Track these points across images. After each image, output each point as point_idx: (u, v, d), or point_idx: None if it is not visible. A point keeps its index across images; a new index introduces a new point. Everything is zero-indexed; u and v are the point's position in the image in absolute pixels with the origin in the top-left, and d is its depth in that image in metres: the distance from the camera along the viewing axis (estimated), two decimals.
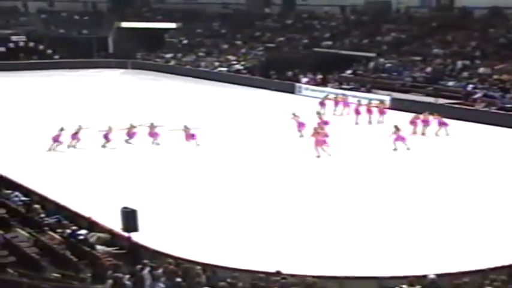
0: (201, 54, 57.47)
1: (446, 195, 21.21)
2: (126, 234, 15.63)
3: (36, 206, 17.65)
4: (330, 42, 51.25)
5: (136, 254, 15.07)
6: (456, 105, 36.15)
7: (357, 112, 34.00)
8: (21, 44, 59.58)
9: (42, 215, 17.16)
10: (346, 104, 36.56)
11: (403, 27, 49.90)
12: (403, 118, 31.26)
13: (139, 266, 13.28)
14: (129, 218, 15.49)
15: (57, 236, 15.40)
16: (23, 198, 18.77)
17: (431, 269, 13.78)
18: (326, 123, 29.96)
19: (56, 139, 26.97)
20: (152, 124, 28.87)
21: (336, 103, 37.04)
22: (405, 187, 22.21)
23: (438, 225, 18.27)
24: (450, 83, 39.54)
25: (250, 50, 55.03)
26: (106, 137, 27.60)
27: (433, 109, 32.84)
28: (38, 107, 37.27)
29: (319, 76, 45.28)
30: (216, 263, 14.35)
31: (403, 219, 18.90)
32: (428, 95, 38.58)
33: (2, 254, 12.95)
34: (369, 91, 40.84)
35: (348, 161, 25.72)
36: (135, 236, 15.53)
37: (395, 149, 27.20)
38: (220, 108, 38.11)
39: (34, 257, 13.43)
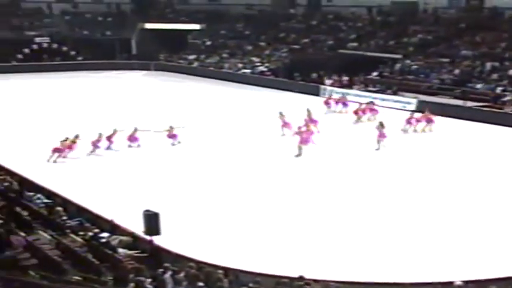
0: (224, 55, 57.56)
1: (468, 198, 21.03)
2: (148, 237, 15.71)
3: (59, 208, 17.81)
4: (355, 44, 51.04)
5: (158, 257, 15.15)
6: (485, 108, 35.80)
7: (356, 113, 34.81)
8: (45, 45, 60.18)
9: (65, 218, 17.31)
10: (345, 104, 37.56)
11: (431, 28, 49.53)
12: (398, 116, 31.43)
13: (161, 270, 13.34)
14: (151, 221, 15.58)
15: (79, 239, 15.51)
16: (46, 201, 18.96)
17: (456, 276, 13.65)
18: (314, 121, 30.30)
19: (95, 144, 27.15)
20: (171, 127, 29.06)
21: (337, 102, 38.26)
22: (421, 187, 22.06)
23: (458, 229, 18.11)
24: (479, 86, 39.11)
25: (274, 52, 54.99)
26: (109, 139, 27.84)
27: (461, 112, 32.58)
28: (63, 108, 37.57)
29: (344, 78, 45.12)
30: (238, 267, 14.36)
31: (419, 222, 18.76)
32: (456, 97, 38.22)
33: (24, 256, 13.07)
34: (395, 93, 40.64)
35: (345, 160, 25.81)
36: (157, 239, 15.61)
37: (377, 149, 27.71)
38: (242, 110, 38.13)
39: (56, 260, 13.53)
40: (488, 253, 16.45)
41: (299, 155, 26.55)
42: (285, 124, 30.59)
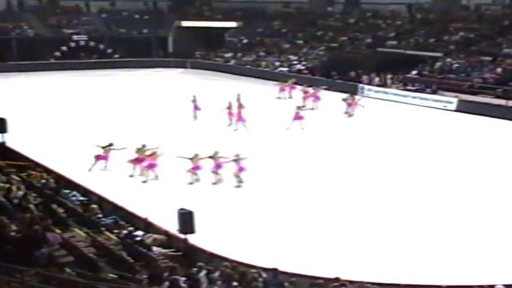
0: (261, 53, 57.67)
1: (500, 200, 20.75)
2: (182, 235, 15.80)
3: (94, 206, 18.01)
4: (394, 42, 50.67)
5: (193, 256, 15.23)
6: None
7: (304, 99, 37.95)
8: (82, 43, 61.07)
9: (100, 215, 17.50)
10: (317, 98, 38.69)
11: (473, 26, 48.88)
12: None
13: (195, 269, 13.40)
14: (186, 219, 15.66)
15: (113, 237, 15.66)
16: (81, 198, 19.19)
17: (498, 279, 13.47)
18: (242, 106, 32.15)
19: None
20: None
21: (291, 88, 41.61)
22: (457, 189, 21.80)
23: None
24: None
25: (311, 50, 54.91)
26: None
27: (504, 112, 32.11)
28: (100, 107, 38.00)
29: (384, 77, 44.79)
30: (273, 267, 14.35)
31: (446, 223, 18.55)
32: (498, 97, 37.69)
33: (61, 253, 13.24)
34: (434, 92, 40.25)
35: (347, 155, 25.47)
36: (191, 238, 15.70)
37: (288, 128, 30.60)
38: (276, 108, 38.15)
39: (92, 257, 13.69)
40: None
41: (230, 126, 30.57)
42: (196, 107, 33.64)
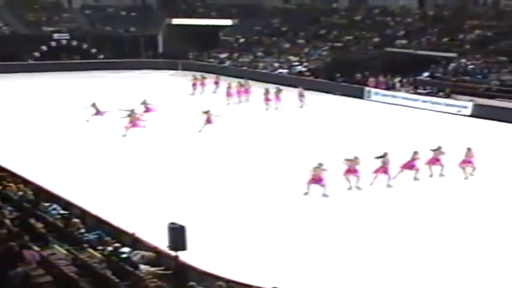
0: (259, 54, 57.84)
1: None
2: (173, 253, 15.76)
3: (76, 220, 17.95)
4: (404, 41, 50.85)
5: (184, 275, 15.19)
6: None
7: (228, 94, 41.71)
8: (64, 42, 61.06)
9: (82, 231, 17.44)
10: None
11: (490, 23, 49.04)
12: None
13: None
14: (177, 234, 15.60)
15: (97, 254, 15.61)
16: (62, 212, 19.12)
17: None
18: (149, 110, 35.09)
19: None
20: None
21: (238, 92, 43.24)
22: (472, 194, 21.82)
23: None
24: None
25: (314, 50, 55.08)
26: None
27: None
28: (81, 112, 37.94)
29: (392, 79, 44.88)
30: (273, 287, 14.32)
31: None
32: None
33: (38, 272, 13.19)
34: (448, 96, 40.35)
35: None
36: (182, 255, 15.65)
37: (199, 131, 31.90)
38: (279, 113, 38.23)
39: (72, 277, 13.63)
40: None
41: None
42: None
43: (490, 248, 18.16)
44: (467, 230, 19.51)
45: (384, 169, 23.90)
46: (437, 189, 23.67)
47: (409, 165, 24.37)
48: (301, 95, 41.07)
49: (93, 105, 34.85)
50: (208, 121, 32.76)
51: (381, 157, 24.13)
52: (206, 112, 32.99)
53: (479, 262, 17.16)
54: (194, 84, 46.39)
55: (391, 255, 17.71)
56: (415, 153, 24.60)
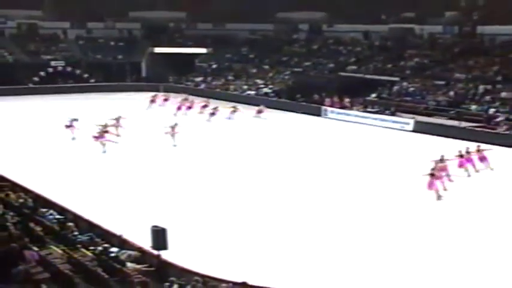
0: (230, 78, 57.81)
1: (452, 215, 20.90)
2: (155, 252, 15.61)
3: (70, 224, 17.72)
4: (355, 67, 51.23)
5: (165, 271, 15.04)
6: (478, 129, 35.76)
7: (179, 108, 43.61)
8: (60, 68, 60.59)
9: (76, 233, 17.22)
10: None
11: (426, 53, 49.70)
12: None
13: (167, 284, 13.23)
14: (159, 236, 15.48)
15: (89, 253, 15.41)
16: (58, 216, 18.87)
17: None
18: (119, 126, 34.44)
19: None
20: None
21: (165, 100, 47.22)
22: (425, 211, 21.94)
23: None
24: (472, 107, 39.14)
25: (277, 74, 55.19)
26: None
27: (456, 132, 32.55)
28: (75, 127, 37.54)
29: (345, 100, 45.12)
30: (243, 281, 14.23)
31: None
32: (451, 118, 38.24)
33: (37, 270, 12.99)
34: (393, 114, 40.65)
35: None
36: (164, 254, 15.51)
37: (174, 145, 31.68)
38: (245, 129, 38.21)
39: (67, 274, 13.44)
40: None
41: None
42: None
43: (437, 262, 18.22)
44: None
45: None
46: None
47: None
48: (259, 112, 42.11)
49: (71, 121, 34.27)
50: (173, 133, 32.52)
51: (440, 160, 24.05)
52: (173, 127, 32.75)
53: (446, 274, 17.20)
54: (178, 107, 44.99)
55: (387, 257, 17.66)
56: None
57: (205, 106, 43.56)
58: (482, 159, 27.17)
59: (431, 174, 22.90)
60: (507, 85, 40.09)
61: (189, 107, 44.38)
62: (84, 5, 65.49)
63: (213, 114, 41.52)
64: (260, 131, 37.93)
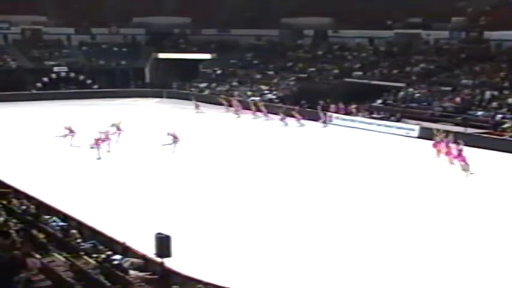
0: (234, 83, 57.83)
1: (459, 222, 20.88)
2: (159, 259, 15.59)
3: (74, 231, 17.72)
4: (360, 73, 51.22)
5: (168, 279, 15.02)
6: (485, 135, 35.70)
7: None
8: (63, 74, 60.74)
9: (79, 240, 17.22)
10: None
11: (432, 58, 49.68)
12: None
13: None
14: (163, 243, 15.46)
15: (92, 261, 15.40)
16: (61, 224, 18.88)
17: None
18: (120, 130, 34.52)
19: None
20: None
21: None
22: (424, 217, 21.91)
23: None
24: (479, 113, 39.11)
25: (282, 80, 55.20)
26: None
27: (462, 138, 32.37)
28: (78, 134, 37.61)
29: (351, 106, 45.08)
30: None
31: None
32: (457, 124, 38.16)
33: (39, 278, 12.99)
34: (398, 120, 40.62)
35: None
36: (168, 262, 15.49)
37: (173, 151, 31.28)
38: (251, 136, 38.22)
39: (69, 281, 13.44)
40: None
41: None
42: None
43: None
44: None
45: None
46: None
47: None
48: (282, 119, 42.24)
49: (68, 128, 34.08)
50: (175, 140, 32.20)
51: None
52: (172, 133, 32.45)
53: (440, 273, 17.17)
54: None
55: (390, 264, 17.64)
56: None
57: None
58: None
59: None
60: None
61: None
62: (88, 10, 65.67)
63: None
64: (265, 137, 37.92)
